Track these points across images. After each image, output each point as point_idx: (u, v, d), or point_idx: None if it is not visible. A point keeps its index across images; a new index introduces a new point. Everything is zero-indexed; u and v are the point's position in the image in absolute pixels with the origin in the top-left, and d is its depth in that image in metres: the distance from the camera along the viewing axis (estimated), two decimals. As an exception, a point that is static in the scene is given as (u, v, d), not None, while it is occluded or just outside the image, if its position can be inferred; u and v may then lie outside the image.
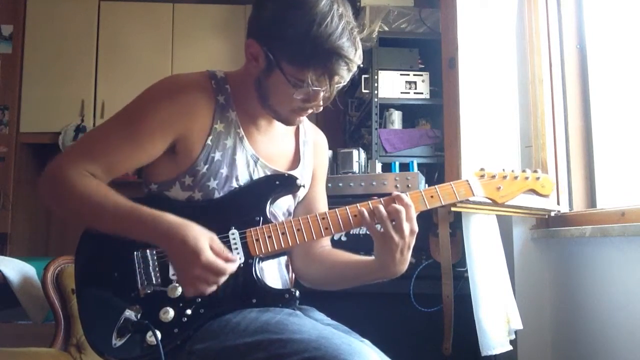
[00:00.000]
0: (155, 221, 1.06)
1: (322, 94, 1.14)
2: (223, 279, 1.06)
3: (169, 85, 1.20)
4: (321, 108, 1.19)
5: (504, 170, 1.27)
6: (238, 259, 1.11)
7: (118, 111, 1.19)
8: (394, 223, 1.14)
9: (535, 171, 1.30)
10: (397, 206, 1.13)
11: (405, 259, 1.17)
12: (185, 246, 1.03)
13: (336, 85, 1.13)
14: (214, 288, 1.07)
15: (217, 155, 1.19)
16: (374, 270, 1.21)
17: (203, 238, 1.05)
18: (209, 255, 1.03)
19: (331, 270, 1.32)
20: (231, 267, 1.06)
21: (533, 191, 1.29)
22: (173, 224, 1.06)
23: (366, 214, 1.15)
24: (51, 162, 1.13)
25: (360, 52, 1.13)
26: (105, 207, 1.09)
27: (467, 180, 1.23)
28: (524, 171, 1.29)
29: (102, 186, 1.12)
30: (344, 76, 1.13)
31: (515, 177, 1.27)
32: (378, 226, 1.16)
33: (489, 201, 1.27)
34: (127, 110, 1.18)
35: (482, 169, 1.26)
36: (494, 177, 1.26)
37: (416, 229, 1.15)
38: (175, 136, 1.17)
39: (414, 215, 1.15)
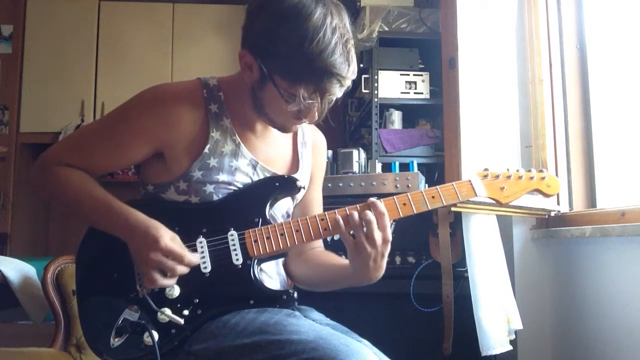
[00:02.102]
0: (124, 214, 1.11)
1: (315, 108, 1.13)
2: (182, 270, 1.09)
3: (153, 96, 1.19)
4: (315, 120, 1.18)
5: (508, 170, 1.24)
6: (199, 257, 1.12)
7: (109, 111, 1.22)
8: (365, 230, 1.11)
9: (541, 171, 1.26)
10: (370, 215, 1.11)
11: (380, 267, 1.15)
12: (147, 235, 1.08)
13: (329, 99, 1.12)
14: (172, 281, 1.10)
15: (213, 162, 1.18)
16: (349, 276, 1.20)
17: (164, 230, 1.09)
18: (168, 242, 1.07)
19: (315, 272, 1.32)
20: (189, 257, 1.09)
21: (538, 191, 1.25)
22: (139, 218, 1.11)
23: (356, 215, 1.13)
24: (43, 152, 1.22)
25: (354, 66, 1.11)
26: (82, 196, 1.15)
27: (470, 181, 1.21)
28: (528, 171, 1.25)
29: (83, 177, 1.17)
30: (336, 93, 1.12)
31: (520, 177, 1.23)
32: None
33: (492, 201, 1.24)
34: (114, 113, 1.21)
35: (485, 169, 1.23)
36: (497, 177, 1.22)
37: (389, 238, 1.13)
38: (156, 146, 1.18)
39: (387, 224, 1.13)
